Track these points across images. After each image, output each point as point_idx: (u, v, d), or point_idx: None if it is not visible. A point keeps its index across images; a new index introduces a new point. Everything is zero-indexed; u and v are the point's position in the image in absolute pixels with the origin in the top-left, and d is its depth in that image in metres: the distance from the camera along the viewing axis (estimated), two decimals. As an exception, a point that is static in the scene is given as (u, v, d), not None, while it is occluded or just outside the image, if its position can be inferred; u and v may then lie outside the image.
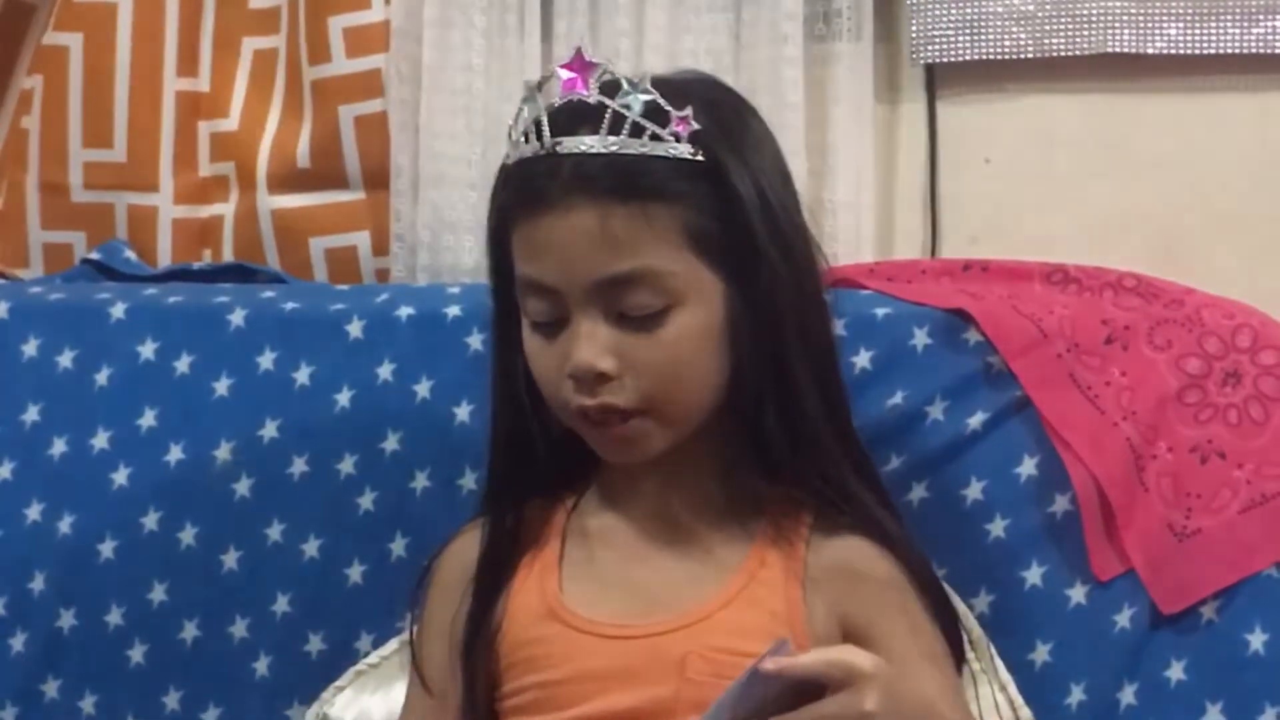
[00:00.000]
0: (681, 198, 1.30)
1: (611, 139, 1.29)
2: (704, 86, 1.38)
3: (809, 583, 1.35)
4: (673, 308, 1.30)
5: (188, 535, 1.69)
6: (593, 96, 1.29)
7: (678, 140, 1.29)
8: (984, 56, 1.93)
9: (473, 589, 1.40)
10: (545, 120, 1.30)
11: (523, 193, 1.32)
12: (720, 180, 1.30)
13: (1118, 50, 1.89)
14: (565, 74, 1.31)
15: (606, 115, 1.29)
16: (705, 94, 1.35)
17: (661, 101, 1.29)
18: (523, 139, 1.32)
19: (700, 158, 1.30)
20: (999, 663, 1.52)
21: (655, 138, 1.29)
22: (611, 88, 1.30)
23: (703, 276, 1.31)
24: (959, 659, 1.40)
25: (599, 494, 1.42)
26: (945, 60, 1.94)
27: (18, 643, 1.70)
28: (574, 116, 1.30)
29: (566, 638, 1.35)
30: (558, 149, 1.29)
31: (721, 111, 1.34)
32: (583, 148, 1.29)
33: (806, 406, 1.33)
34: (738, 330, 1.32)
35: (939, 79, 1.97)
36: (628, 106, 1.29)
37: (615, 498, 1.41)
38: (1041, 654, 1.55)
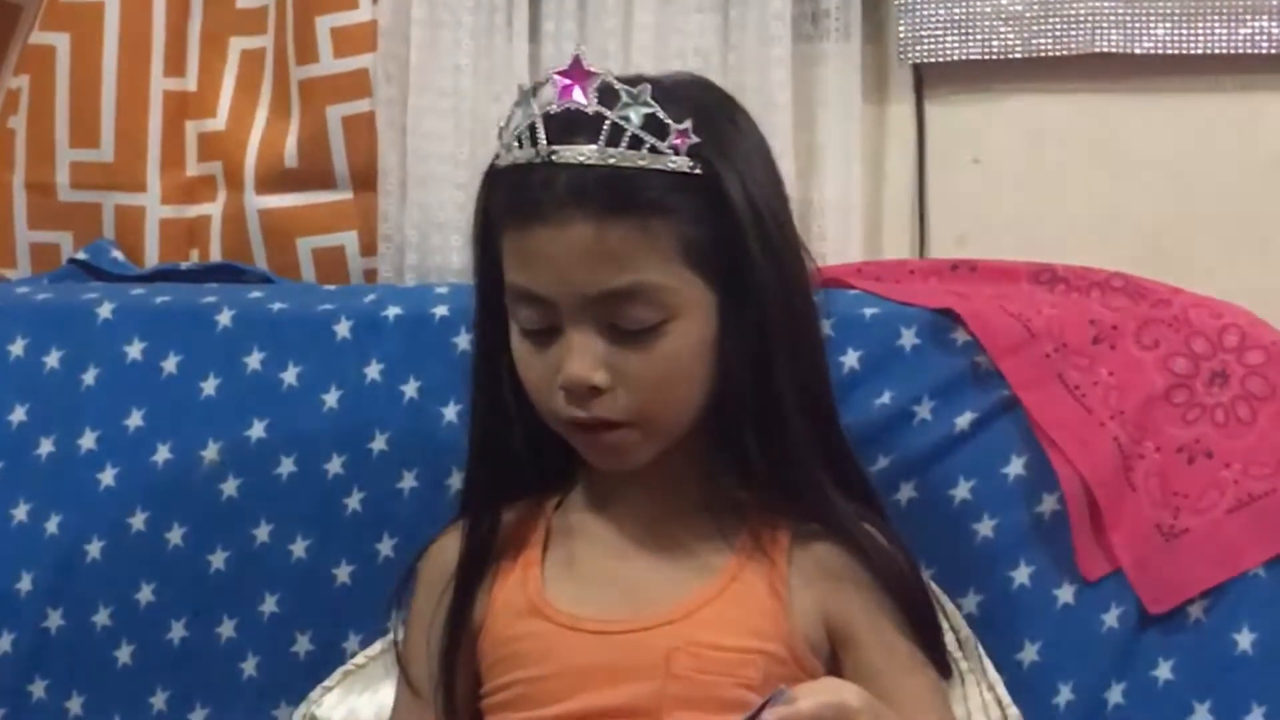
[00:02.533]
0: (678, 211, 1.28)
1: (610, 151, 1.27)
2: (696, 89, 1.37)
3: (792, 583, 1.35)
4: (668, 321, 1.29)
5: (175, 535, 1.69)
6: (591, 107, 1.28)
7: (676, 153, 1.28)
8: (972, 56, 1.93)
9: (452, 588, 1.40)
10: (540, 126, 1.28)
11: (515, 200, 1.30)
12: (714, 191, 1.29)
13: (1106, 50, 1.90)
14: (562, 81, 1.29)
15: (605, 126, 1.27)
16: (698, 98, 1.34)
17: (661, 114, 1.27)
18: (515, 143, 1.30)
19: (698, 171, 1.29)
20: (987, 662, 1.52)
21: (654, 150, 1.27)
22: (609, 97, 1.28)
23: (697, 289, 1.30)
24: (943, 667, 1.40)
25: (583, 494, 1.42)
26: (933, 60, 1.94)
27: (4, 643, 1.70)
28: (570, 124, 1.28)
29: (550, 634, 1.35)
30: (553, 158, 1.28)
31: (715, 118, 1.33)
32: (580, 158, 1.27)
33: (788, 422, 1.33)
34: (727, 342, 1.31)
35: (927, 79, 1.97)
36: (626, 118, 1.27)
37: (599, 498, 1.41)
38: (1029, 654, 1.55)
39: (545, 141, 1.28)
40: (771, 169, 1.37)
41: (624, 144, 1.27)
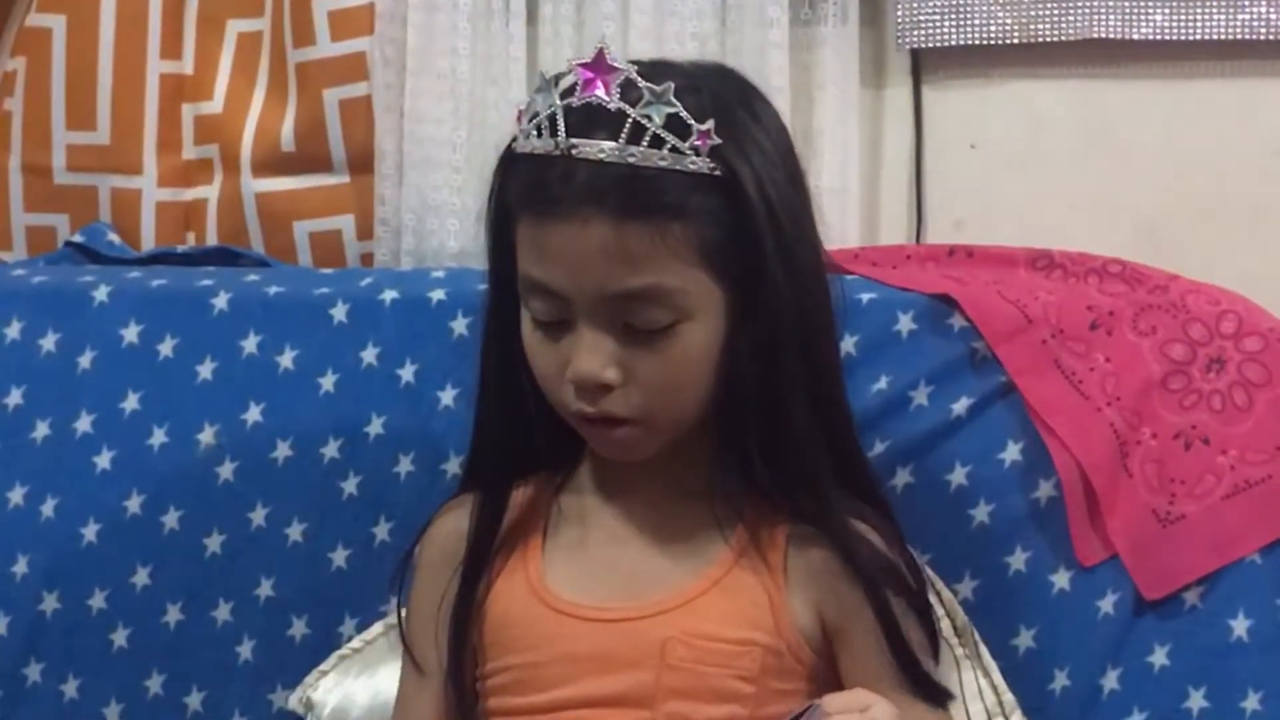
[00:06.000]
0: (696, 213, 1.26)
1: (630, 149, 1.25)
2: (719, 80, 1.34)
3: (789, 577, 1.35)
4: (680, 322, 1.28)
5: (171, 519, 1.69)
6: (613, 103, 1.25)
7: (697, 154, 1.26)
8: (969, 41, 1.93)
9: (460, 569, 1.40)
10: (561, 117, 1.26)
11: (532, 191, 1.28)
12: (732, 191, 1.27)
13: (1103, 36, 1.90)
14: (584, 74, 1.26)
15: (627, 124, 1.25)
16: (720, 92, 1.31)
17: (684, 114, 1.25)
18: (534, 131, 1.28)
19: (718, 172, 1.27)
20: (983, 648, 1.52)
21: (675, 151, 1.25)
22: (632, 93, 1.26)
23: (711, 291, 1.29)
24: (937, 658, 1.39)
25: (587, 476, 1.42)
26: (931, 45, 1.94)
27: (0, 626, 1.70)
28: (591, 118, 1.26)
29: (548, 619, 1.35)
30: (573, 151, 1.26)
31: (736, 114, 1.30)
32: (601, 155, 1.25)
33: (792, 421, 1.32)
34: (737, 343, 1.30)
35: (925, 64, 1.97)
36: (649, 117, 1.25)
37: (603, 482, 1.41)
38: (1025, 639, 1.55)
39: (565, 134, 1.26)
40: (791, 161, 1.34)
41: (645, 143, 1.25)
